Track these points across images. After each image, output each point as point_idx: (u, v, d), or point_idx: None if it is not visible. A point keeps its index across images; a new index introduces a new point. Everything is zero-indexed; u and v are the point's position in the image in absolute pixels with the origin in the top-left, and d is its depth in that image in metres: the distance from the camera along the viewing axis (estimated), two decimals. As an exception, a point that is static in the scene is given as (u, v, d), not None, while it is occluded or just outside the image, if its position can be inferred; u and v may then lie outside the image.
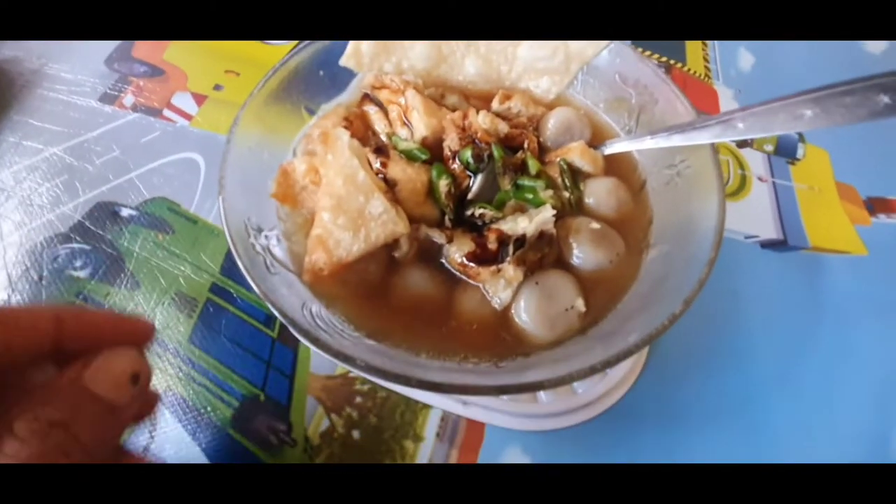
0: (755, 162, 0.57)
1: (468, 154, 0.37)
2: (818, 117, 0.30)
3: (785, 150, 0.58)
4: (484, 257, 0.35)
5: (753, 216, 0.52)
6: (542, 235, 0.35)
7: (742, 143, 0.58)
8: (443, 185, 0.37)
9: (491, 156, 0.38)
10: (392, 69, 0.43)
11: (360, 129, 0.42)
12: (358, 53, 0.42)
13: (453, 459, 0.39)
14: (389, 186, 0.36)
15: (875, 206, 0.55)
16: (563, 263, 0.37)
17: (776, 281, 0.48)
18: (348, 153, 0.33)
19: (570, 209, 0.39)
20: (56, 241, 0.48)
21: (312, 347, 0.41)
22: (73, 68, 0.61)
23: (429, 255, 0.37)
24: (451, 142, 0.39)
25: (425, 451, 0.39)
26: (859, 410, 0.42)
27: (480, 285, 0.35)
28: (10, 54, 0.62)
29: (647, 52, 0.66)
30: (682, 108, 0.39)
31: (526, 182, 0.38)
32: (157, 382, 0.41)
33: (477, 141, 0.38)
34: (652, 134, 0.38)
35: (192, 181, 0.52)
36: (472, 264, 0.35)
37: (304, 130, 0.43)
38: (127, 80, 0.60)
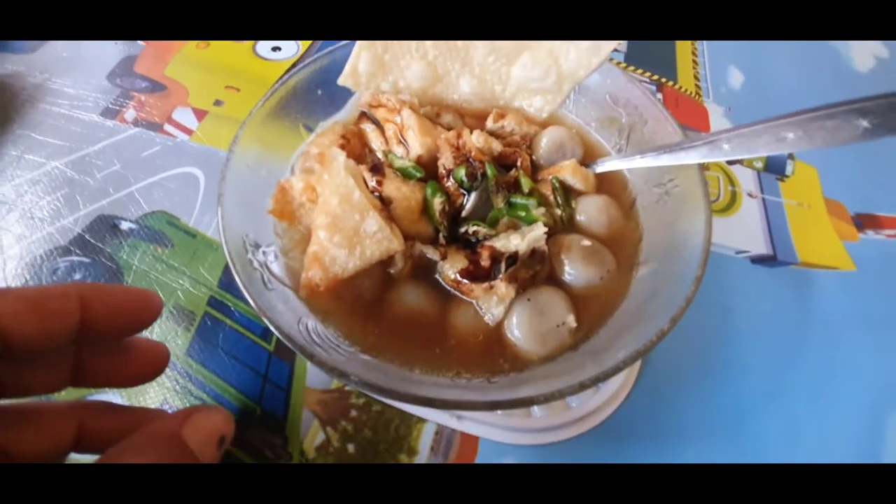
0: (745, 178, 0.58)
1: (462, 172, 0.38)
2: (801, 140, 0.31)
3: (774, 167, 0.59)
4: (477, 274, 0.35)
5: (744, 232, 0.53)
6: (534, 253, 0.36)
7: (732, 160, 0.59)
8: (437, 202, 0.38)
9: (484, 174, 0.39)
10: (389, 88, 0.43)
11: (357, 147, 0.43)
12: (355, 73, 0.43)
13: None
14: (385, 204, 0.37)
15: (863, 222, 0.56)
16: (554, 280, 0.37)
17: (766, 296, 0.49)
18: (344, 173, 0.34)
19: (562, 226, 0.40)
20: (56, 254, 0.49)
21: (308, 362, 0.42)
22: (75, 83, 0.62)
23: (423, 272, 0.38)
24: (445, 160, 0.40)
25: (419, 465, 0.39)
26: (849, 424, 0.42)
27: (474, 301, 0.36)
28: (13, 69, 0.63)
29: (640, 70, 0.67)
30: (671, 129, 0.40)
31: (519, 200, 0.39)
32: (155, 395, 0.41)
33: (471, 160, 0.39)
34: (642, 153, 0.39)
35: (191, 195, 0.53)
36: (465, 281, 0.36)
37: (302, 148, 0.43)
38: (129, 95, 0.61)
